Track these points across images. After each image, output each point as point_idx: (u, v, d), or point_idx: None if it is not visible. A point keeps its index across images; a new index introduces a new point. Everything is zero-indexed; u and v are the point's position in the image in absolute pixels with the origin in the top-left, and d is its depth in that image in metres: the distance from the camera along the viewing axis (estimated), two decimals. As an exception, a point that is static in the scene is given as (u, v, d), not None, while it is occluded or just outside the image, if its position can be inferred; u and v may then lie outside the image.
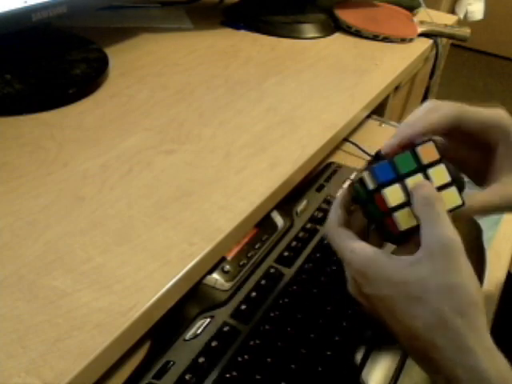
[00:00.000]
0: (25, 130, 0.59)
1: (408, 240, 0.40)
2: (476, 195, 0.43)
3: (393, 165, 0.40)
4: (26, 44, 0.68)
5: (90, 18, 0.87)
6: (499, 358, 0.35)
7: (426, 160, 0.41)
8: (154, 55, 0.80)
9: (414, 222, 0.39)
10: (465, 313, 0.35)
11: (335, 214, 0.43)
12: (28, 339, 0.37)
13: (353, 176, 0.69)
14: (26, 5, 0.58)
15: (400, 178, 0.40)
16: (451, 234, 0.37)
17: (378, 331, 0.49)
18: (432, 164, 0.41)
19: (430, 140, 0.41)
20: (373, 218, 0.42)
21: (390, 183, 0.40)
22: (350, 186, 0.44)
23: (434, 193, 0.39)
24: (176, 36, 0.88)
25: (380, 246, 0.42)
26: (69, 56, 0.72)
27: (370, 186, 0.40)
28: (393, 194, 0.40)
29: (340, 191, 0.66)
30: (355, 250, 0.39)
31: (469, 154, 0.46)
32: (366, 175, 0.41)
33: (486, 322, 0.36)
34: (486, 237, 0.63)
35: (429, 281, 0.36)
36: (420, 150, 0.41)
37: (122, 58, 0.77)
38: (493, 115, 0.44)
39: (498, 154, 0.44)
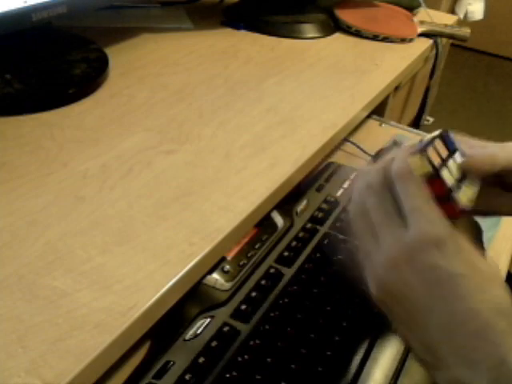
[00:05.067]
0: (25, 129, 0.59)
1: None
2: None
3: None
4: (26, 44, 0.68)
5: (90, 18, 0.87)
6: None
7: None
8: (154, 55, 0.80)
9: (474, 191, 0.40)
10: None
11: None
12: (28, 339, 0.37)
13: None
14: (25, 5, 0.58)
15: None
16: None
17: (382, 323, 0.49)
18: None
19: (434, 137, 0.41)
20: None
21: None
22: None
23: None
24: (176, 36, 0.88)
25: None
26: (69, 56, 0.72)
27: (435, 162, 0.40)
28: (447, 175, 0.40)
29: (341, 191, 0.66)
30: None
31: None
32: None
33: None
34: (486, 237, 0.63)
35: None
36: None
37: (121, 57, 0.77)
38: None
39: None
